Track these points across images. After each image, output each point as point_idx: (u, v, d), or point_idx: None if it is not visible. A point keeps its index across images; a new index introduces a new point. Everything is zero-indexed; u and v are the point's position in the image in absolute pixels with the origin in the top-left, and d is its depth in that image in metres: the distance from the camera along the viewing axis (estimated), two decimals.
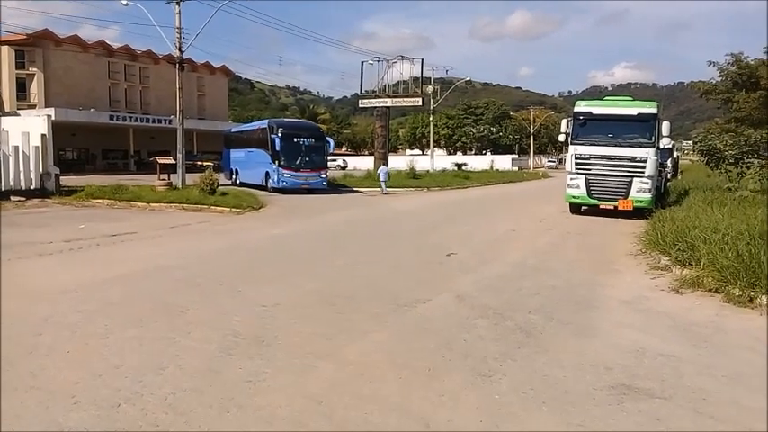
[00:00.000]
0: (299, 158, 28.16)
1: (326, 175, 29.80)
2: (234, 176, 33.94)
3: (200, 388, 4.47)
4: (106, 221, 15.75)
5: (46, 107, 49.92)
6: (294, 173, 27.85)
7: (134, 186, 23.05)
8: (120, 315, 6.44)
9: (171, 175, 25.17)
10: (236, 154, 34.65)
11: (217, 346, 5.43)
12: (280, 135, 27.71)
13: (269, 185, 28.49)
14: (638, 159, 16.99)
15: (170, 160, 26.27)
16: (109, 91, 64.68)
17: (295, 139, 28.29)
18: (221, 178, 25.63)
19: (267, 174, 28.80)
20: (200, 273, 8.97)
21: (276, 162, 27.73)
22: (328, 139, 31.39)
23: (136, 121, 56.81)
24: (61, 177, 24.05)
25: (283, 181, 27.62)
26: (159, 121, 56.29)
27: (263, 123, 31.68)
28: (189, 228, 14.98)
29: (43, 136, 22.60)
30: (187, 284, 8.08)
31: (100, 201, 21.06)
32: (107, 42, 65.52)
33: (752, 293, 7.18)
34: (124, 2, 26.85)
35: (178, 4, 25.68)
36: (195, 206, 19.38)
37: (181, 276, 8.63)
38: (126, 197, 21.02)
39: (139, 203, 20.27)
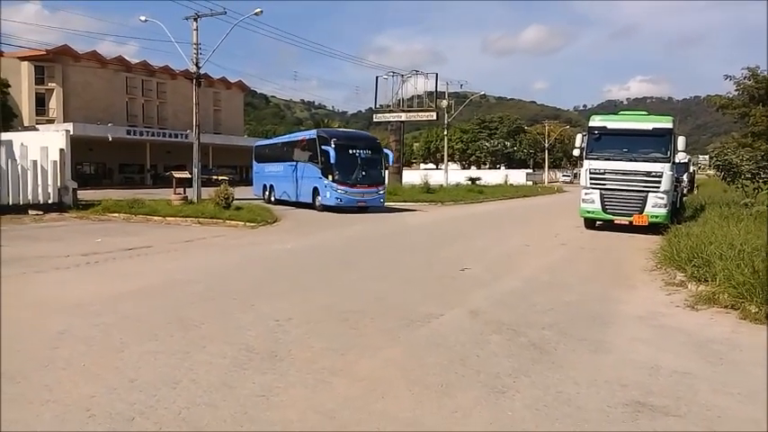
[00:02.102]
0: (355, 172, 25.02)
1: (384, 192, 26.76)
2: (268, 193, 31.16)
3: (214, 402, 4.50)
4: (122, 235, 15.89)
5: (64, 122, 50.64)
6: (349, 188, 24.79)
7: (150, 200, 23.24)
8: (136, 329, 6.49)
9: (187, 189, 25.44)
10: (272, 168, 31.32)
11: (231, 361, 5.46)
12: (333, 146, 24.70)
13: (318, 203, 25.69)
14: (654, 174, 16.91)
15: (186, 174, 26.55)
16: (126, 106, 65.54)
17: (350, 151, 25.26)
18: (240, 194, 24.92)
19: (315, 190, 25.87)
20: (215, 287, 9.02)
21: (329, 176, 24.71)
22: (386, 150, 28.74)
23: (152, 135, 57.43)
24: (78, 191, 24.30)
25: (337, 198, 24.66)
26: (176, 136, 56.84)
27: (311, 134, 28.59)
28: (204, 242, 15.08)
29: (61, 150, 22.88)
30: (202, 298, 8.13)
31: (116, 215, 21.24)
32: (125, 58, 66.42)
33: None
34: (142, 18, 27.23)
35: (195, 20, 26.04)
36: (210, 220, 19.51)
37: (196, 290, 8.68)
38: (142, 211, 21.19)
39: (155, 217, 20.44)
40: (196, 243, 14.80)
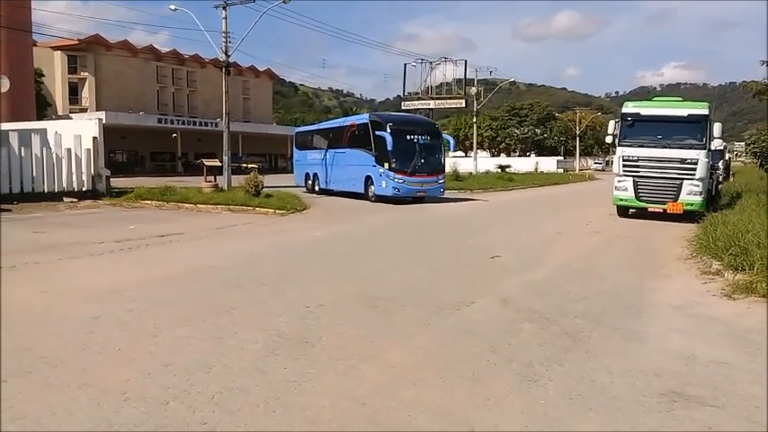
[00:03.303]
0: (414, 160, 23.21)
1: (444, 180, 25.04)
2: (311, 182, 29.57)
3: (246, 387, 4.52)
4: (155, 222, 16.10)
5: (97, 110, 51.43)
6: (408, 177, 22.99)
7: (181, 188, 23.52)
8: (169, 314, 6.56)
9: (217, 176, 25.62)
10: (316, 155, 29.42)
11: (262, 346, 5.49)
12: (389, 131, 22.75)
13: (371, 193, 23.98)
14: (689, 161, 16.60)
15: (216, 162, 26.73)
16: (157, 94, 66.32)
17: (408, 137, 23.38)
18: (275, 182, 24.29)
19: (368, 179, 24.16)
20: (246, 273, 9.08)
21: (384, 165, 22.95)
22: (446, 136, 26.50)
23: (183, 123, 58.05)
24: (111, 179, 24.70)
25: (395, 187, 22.88)
26: (206, 124, 57.42)
27: (363, 118, 26.37)
28: (234, 229, 15.20)
29: (94, 139, 23.25)
30: (233, 285, 8.19)
31: (148, 202, 21.55)
32: (155, 47, 67.08)
33: None
34: (172, 7, 27.42)
35: (224, 8, 26.14)
36: (240, 207, 19.66)
37: (227, 277, 8.75)
38: (174, 199, 21.45)
39: (187, 205, 20.67)
40: (226, 230, 14.92)
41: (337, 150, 27.11)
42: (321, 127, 32.17)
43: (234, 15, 26.58)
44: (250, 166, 44.99)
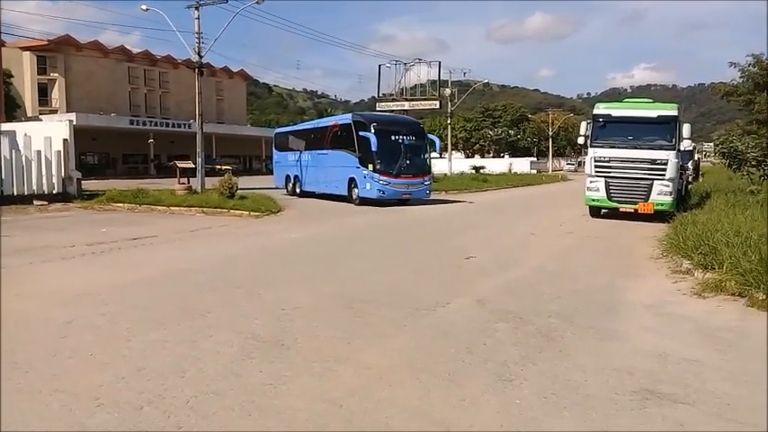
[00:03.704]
0: (399, 161, 22.66)
1: (430, 182, 24.68)
2: (292, 184, 28.91)
3: (221, 391, 4.50)
4: (127, 225, 15.92)
5: (67, 112, 50.71)
6: (393, 179, 22.45)
7: (154, 190, 23.26)
8: (143, 318, 6.50)
9: (190, 179, 25.41)
10: (297, 157, 28.62)
11: (237, 350, 5.46)
12: (373, 132, 22.14)
13: (355, 195, 23.41)
14: (659, 162, 16.85)
15: (189, 164, 26.53)
16: (129, 96, 65.58)
17: (393, 137, 22.80)
18: (248, 184, 23.93)
19: (352, 181, 23.54)
20: (220, 276, 9.03)
21: (369, 166, 22.38)
22: (431, 136, 25.79)
23: (156, 125, 57.52)
24: (82, 181, 24.36)
25: (380, 189, 22.32)
26: (179, 126, 56.96)
27: (345, 118, 25.79)
28: (209, 231, 15.09)
29: (65, 140, 22.91)
30: (207, 288, 8.13)
31: (121, 205, 21.29)
32: (127, 48, 66.34)
33: None
34: (144, 7, 27.16)
35: (197, 9, 25.97)
36: (215, 210, 19.52)
37: (201, 280, 8.69)
38: (146, 201, 21.22)
39: (160, 207, 20.47)
40: (200, 232, 14.80)
41: (319, 151, 26.47)
42: (302, 127, 31.45)
43: (207, 16, 26.45)
44: (224, 167, 44.74)
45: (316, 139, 27.25)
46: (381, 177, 22.28)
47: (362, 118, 24.12)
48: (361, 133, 22.73)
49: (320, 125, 28.82)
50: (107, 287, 8.08)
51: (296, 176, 28.60)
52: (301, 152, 28.16)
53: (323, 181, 25.95)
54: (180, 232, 14.60)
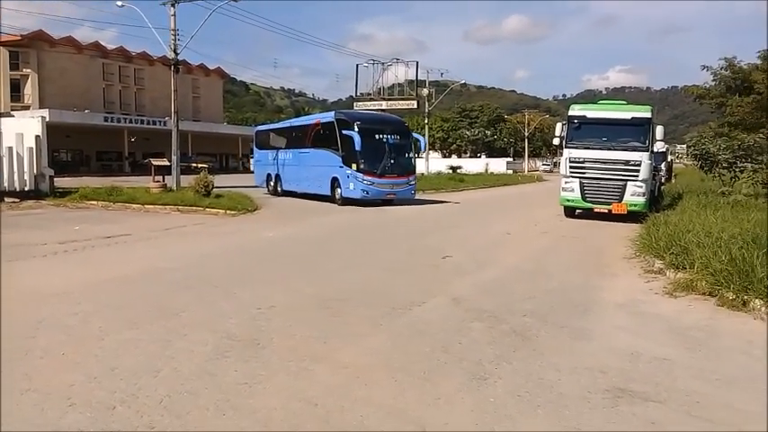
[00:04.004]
0: (383, 160, 22.20)
1: (415, 182, 24.14)
2: (273, 183, 28.33)
3: (195, 390, 4.47)
4: (101, 223, 15.73)
5: (40, 108, 49.83)
6: (377, 179, 21.98)
7: (128, 188, 23.04)
8: (116, 317, 6.43)
9: (165, 176, 25.18)
10: (279, 156, 28.05)
11: (212, 349, 5.43)
12: (357, 130, 21.74)
13: (338, 195, 22.89)
14: (633, 163, 17.05)
15: (165, 162, 26.29)
16: (103, 92, 64.69)
17: (377, 136, 22.38)
18: (225, 182, 23.55)
19: (335, 180, 23.00)
20: (196, 275, 8.96)
21: (352, 166, 21.89)
22: (417, 135, 25.24)
23: (130, 122, 56.85)
24: (55, 179, 24.04)
25: (364, 189, 21.83)
26: (154, 123, 56.33)
27: (328, 116, 24.89)
28: (184, 230, 14.97)
29: (37, 137, 22.57)
30: (182, 287, 8.07)
31: (94, 202, 21.05)
32: (102, 44, 65.47)
33: (745, 297, 7.19)
34: (119, 3, 26.85)
35: (173, 5, 25.73)
36: (190, 208, 19.38)
37: (176, 278, 8.62)
38: (120, 199, 21.00)
39: (134, 205, 20.27)
40: (175, 231, 14.68)
41: (301, 150, 26.00)
42: (284, 125, 31.02)
43: (183, 13, 26.22)
44: (200, 165, 44.25)
45: (297, 138, 26.81)
46: (365, 177, 21.82)
47: (346, 116, 23.66)
48: (344, 132, 22.28)
49: (302, 123, 28.34)
50: (80, 286, 7.98)
51: (277, 175, 28.07)
52: (283, 151, 27.76)
53: (305, 180, 25.42)
54: (154, 231, 14.46)
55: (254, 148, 32.08)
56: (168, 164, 26.19)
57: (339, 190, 22.83)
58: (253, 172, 32.34)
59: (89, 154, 58.82)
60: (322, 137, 24.30)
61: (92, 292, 7.68)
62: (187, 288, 7.98)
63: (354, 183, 21.92)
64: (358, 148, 21.59)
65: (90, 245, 11.85)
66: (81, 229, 14.13)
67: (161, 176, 24.96)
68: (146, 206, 20.04)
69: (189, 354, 5.29)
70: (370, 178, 21.86)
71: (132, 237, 13.25)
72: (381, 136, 22.51)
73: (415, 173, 24.25)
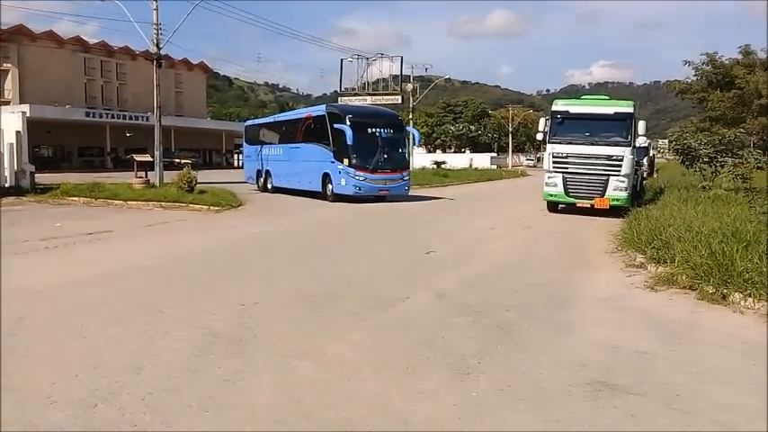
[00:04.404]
0: (376, 155, 21.60)
1: (409, 177, 23.46)
2: (263, 179, 27.77)
3: (178, 387, 4.46)
4: (82, 220, 15.60)
5: (20, 103, 49.18)
6: (370, 174, 21.37)
7: (111, 184, 22.81)
8: (98, 314, 6.39)
9: (148, 172, 24.97)
10: (268, 151, 27.62)
11: (195, 346, 5.41)
12: (349, 124, 20.95)
13: (329, 191, 22.21)
14: (615, 158, 17.17)
15: (147, 158, 26.04)
16: (85, 87, 64.03)
17: (369, 130, 21.65)
18: (208, 178, 23.35)
19: (326, 176, 22.37)
20: (179, 271, 8.92)
21: (344, 161, 21.26)
22: (410, 129, 24.98)
23: (112, 117, 56.33)
24: (36, 175, 23.78)
25: (356, 185, 21.22)
26: (136, 118, 55.87)
27: (319, 110, 24.06)
28: (167, 226, 14.88)
29: (18, 133, 22.32)
30: (165, 283, 8.03)
31: (76, 199, 20.87)
32: (83, 38, 64.76)
33: (725, 291, 7.28)
34: None
35: (155, 0, 25.46)
36: (173, 204, 19.26)
37: (159, 275, 8.58)
38: (102, 195, 20.84)
39: (116, 201, 20.13)
40: (158, 227, 14.60)
41: (292, 145, 25.36)
42: (274, 120, 30.42)
43: (166, 7, 25.94)
44: (183, 161, 44.04)
45: (288, 132, 26.18)
46: (357, 173, 21.19)
47: (337, 109, 23.05)
48: (335, 126, 21.53)
49: (292, 117, 27.65)
50: (61, 283, 7.92)
51: (267, 171, 27.55)
52: (273, 146, 27.36)
53: (295, 176, 24.81)
54: (137, 227, 14.38)
55: (244, 144, 31.55)
56: (151, 159, 25.95)
57: (330, 186, 22.20)
58: (237, 167, 32.13)
59: (71, 150, 58.28)
60: (313, 131, 23.64)
61: (73, 289, 7.62)
62: (170, 285, 7.95)
63: (346, 178, 21.31)
64: (350, 142, 20.84)
65: (71, 242, 11.76)
66: (62, 226, 14.01)
67: (144, 172, 24.71)
68: (128, 202, 19.89)
69: (171, 351, 5.27)
70: (362, 174, 21.25)
71: (114, 233, 13.15)
72: (374, 130, 21.87)
73: (409, 168, 23.56)
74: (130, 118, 56.65)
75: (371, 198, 22.18)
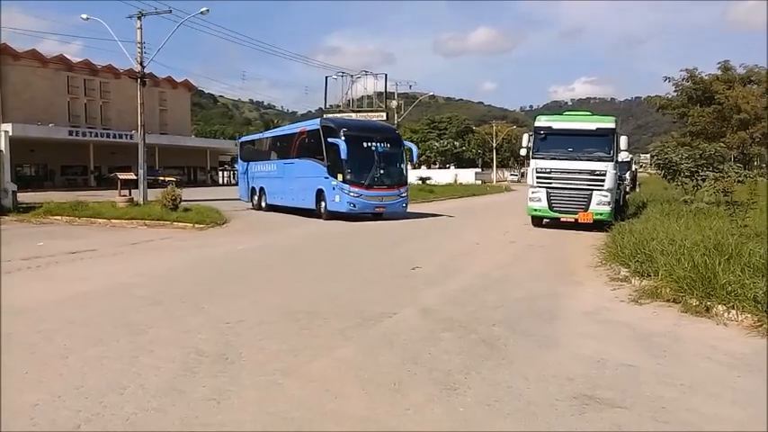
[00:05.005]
0: (372, 171, 20.65)
1: (407, 194, 22.40)
2: (258, 197, 26.75)
3: (163, 407, 4.41)
4: (66, 239, 15.46)
5: (3, 122, 48.67)
6: (365, 191, 20.43)
7: (94, 203, 22.65)
8: (81, 334, 6.32)
9: (132, 190, 24.84)
10: (262, 167, 26.72)
11: (180, 365, 5.37)
12: (343, 138, 20.04)
13: (323, 209, 21.28)
14: (598, 173, 17.32)
15: (131, 176, 25.91)
16: (68, 106, 63.57)
17: (365, 144, 20.72)
18: (192, 195, 23.13)
19: (320, 192, 21.42)
20: (163, 290, 8.85)
21: (338, 176, 20.33)
22: (409, 144, 23.75)
23: (96, 136, 56.04)
24: (19, 194, 23.59)
25: (350, 202, 20.27)
26: (120, 137, 55.60)
27: (313, 124, 23.08)
28: (151, 244, 14.78)
29: (0, 152, 22.12)
30: (149, 302, 7.96)
31: (59, 218, 20.67)
32: (66, 57, 64.48)
33: (708, 303, 7.34)
34: (84, 16, 26.55)
35: (139, 18, 25.49)
36: (157, 222, 19.15)
37: (143, 294, 8.51)
38: (86, 214, 20.66)
39: (100, 220, 19.97)
40: (143, 246, 14.49)
41: (286, 161, 24.38)
42: (268, 135, 29.54)
43: (150, 26, 26.06)
44: (167, 179, 43.82)
45: (282, 148, 25.38)
46: (352, 189, 20.24)
47: (332, 123, 22.09)
48: (329, 140, 20.57)
49: (287, 132, 26.79)
50: (44, 303, 7.84)
51: (261, 188, 26.54)
52: (267, 162, 26.49)
53: (289, 193, 23.88)
54: (121, 245, 14.27)
55: (239, 160, 30.84)
56: (135, 177, 25.85)
57: (324, 203, 21.29)
58: (223, 185, 31.91)
59: (53, 168, 57.86)
60: (307, 146, 22.78)
61: (56, 308, 7.54)
62: (154, 303, 7.88)
63: (340, 195, 20.40)
64: (344, 156, 19.92)
65: (54, 261, 11.65)
66: (45, 245, 13.88)
67: (127, 190, 24.59)
68: (112, 221, 19.75)
69: (156, 370, 5.22)
70: (357, 190, 20.30)
71: (98, 252, 13.05)
72: (370, 144, 20.91)
73: (407, 184, 22.67)
74: (114, 136, 56.41)
75: (369, 216, 21.26)
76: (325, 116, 26.37)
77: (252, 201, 27.55)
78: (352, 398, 4.68)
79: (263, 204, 26.23)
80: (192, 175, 71.29)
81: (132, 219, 19.66)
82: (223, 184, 70.21)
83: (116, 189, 24.86)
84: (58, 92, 62.04)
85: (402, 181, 22.01)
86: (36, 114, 55.46)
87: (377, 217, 21.40)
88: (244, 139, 33.00)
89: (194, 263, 11.93)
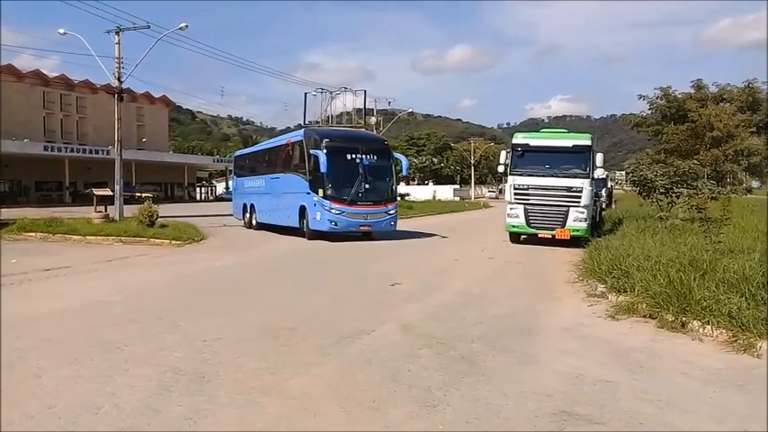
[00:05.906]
0: (355, 185, 18.95)
1: (395, 212, 20.43)
2: (249, 215, 24.99)
3: (138, 427, 4.35)
4: (40, 255, 15.23)
5: None
6: (348, 207, 18.75)
7: (69, 219, 22.34)
8: (55, 353, 6.22)
9: (108, 207, 24.56)
10: (253, 183, 24.99)
11: (156, 384, 5.30)
12: (324, 149, 18.46)
13: (306, 227, 19.65)
14: (574, 189, 17.50)
15: (107, 192, 25.62)
16: (44, 121, 62.93)
17: (348, 156, 19.03)
18: (174, 212, 22.19)
19: (303, 209, 19.79)
20: (139, 307, 8.74)
21: (319, 191, 18.76)
22: (399, 156, 21.78)
23: (72, 151, 55.40)
24: None
25: (331, 220, 18.65)
26: (96, 152, 55.03)
27: (297, 135, 21.44)
28: (127, 261, 14.61)
29: None
30: (125, 320, 7.86)
31: (33, 234, 20.34)
32: (43, 72, 63.94)
33: (684, 319, 7.42)
34: (61, 31, 26.32)
35: (117, 33, 25.33)
36: (133, 239, 18.93)
37: (118, 311, 8.39)
38: (60, 230, 20.35)
39: (75, 236, 19.68)
40: (118, 262, 14.32)
41: (272, 176, 22.80)
42: (258, 148, 27.84)
43: (128, 41, 25.82)
44: (144, 195, 43.27)
45: (269, 162, 23.65)
46: (333, 205, 18.65)
47: (315, 133, 20.30)
48: (311, 151, 19.08)
49: (274, 145, 24.76)
50: (17, 321, 7.69)
51: (252, 206, 24.79)
52: (256, 177, 24.97)
53: (275, 210, 22.25)
54: (96, 262, 14.08)
55: (233, 176, 29.47)
56: (111, 193, 25.54)
57: (307, 220, 19.67)
58: (200, 201, 31.44)
59: (27, 184, 57.06)
60: (291, 159, 21.34)
61: (30, 326, 7.41)
62: (130, 321, 7.78)
63: (321, 212, 18.79)
64: (323, 169, 18.38)
65: (28, 278, 11.46)
66: (18, 262, 13.65)
67: (103, 207, 24.29)
68: (87, 237, 19.49)
69: (131, 389, 5.14)
70: (338, 206, 18.69)
71: (72, 269, 12.87)
72: (354, 156, 19.10)
73: (395, 200, 20.79)
74: (91, 152, 55.85)
75: (358, 235, 19.56)
76: (308, 128, 24.39)
77: (244, 219, 25.82)
78: (331, 416, 4.65)
79: (254, 222, 24.61)
80: (170, 191, 70.72)
81: (108, 235, 19.43)
82: (201, 201, 69.80)
83: (92, 205, 24.58)
84: (33, 107, 61.41)
85: (390, 197, 20.22)
86: (11, 129, 54.73)
87: (366, 237, 19.87)
88: (238, 153, 31.74)
89: (171, 280, 11.81)
